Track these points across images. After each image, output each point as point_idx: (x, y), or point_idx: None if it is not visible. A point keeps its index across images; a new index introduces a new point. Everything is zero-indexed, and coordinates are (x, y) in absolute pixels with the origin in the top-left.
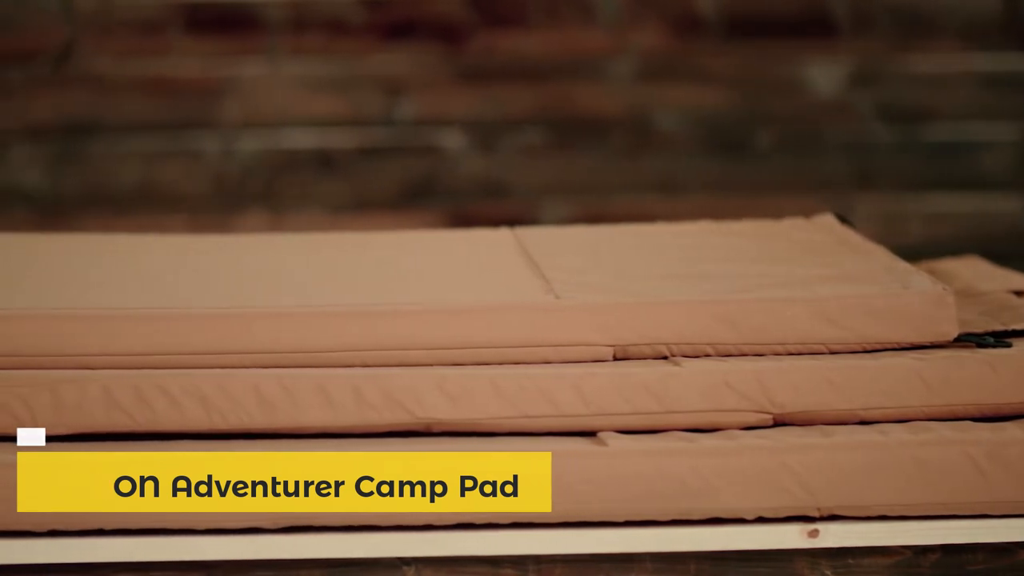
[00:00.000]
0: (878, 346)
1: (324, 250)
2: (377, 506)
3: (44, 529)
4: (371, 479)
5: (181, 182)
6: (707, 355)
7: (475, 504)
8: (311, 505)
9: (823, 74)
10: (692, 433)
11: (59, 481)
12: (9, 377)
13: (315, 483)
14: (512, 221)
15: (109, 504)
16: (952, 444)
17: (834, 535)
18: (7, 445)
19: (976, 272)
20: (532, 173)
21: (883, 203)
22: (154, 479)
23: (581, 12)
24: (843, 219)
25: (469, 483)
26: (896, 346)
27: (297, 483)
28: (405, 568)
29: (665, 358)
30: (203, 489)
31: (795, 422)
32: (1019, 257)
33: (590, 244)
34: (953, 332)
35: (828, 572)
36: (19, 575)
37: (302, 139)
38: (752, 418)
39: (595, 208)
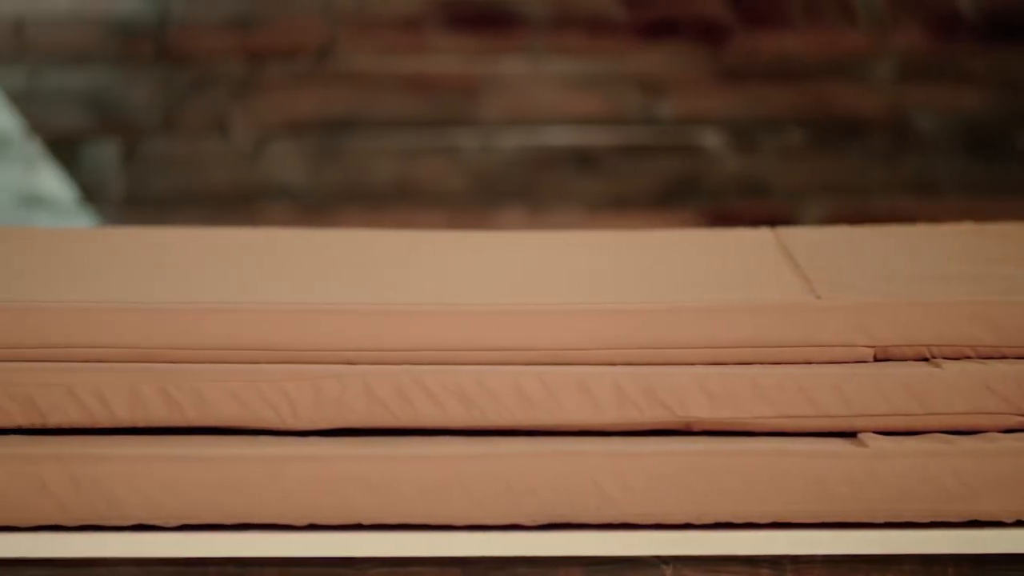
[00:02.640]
0: None
1: (582, 248)
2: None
3: (303, 523)
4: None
5: (440, 179)
6: (967, 357)
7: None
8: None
9: None
10: (952, 435)
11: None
12: (272, 372)
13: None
14: (770, 221)
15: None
16: None
17: None
18: (271, 439)
19: None
20: (791, 173)
21: None
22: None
23: (842, 13)
24: None
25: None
26: None
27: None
28: (663, 567)
29: (926, 359)
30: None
31: None
32: None
33: (851, 245)
34: None
35: None
36: (278, 567)
37: (562, 137)
38: (1012, 421)
39: (853, 208)
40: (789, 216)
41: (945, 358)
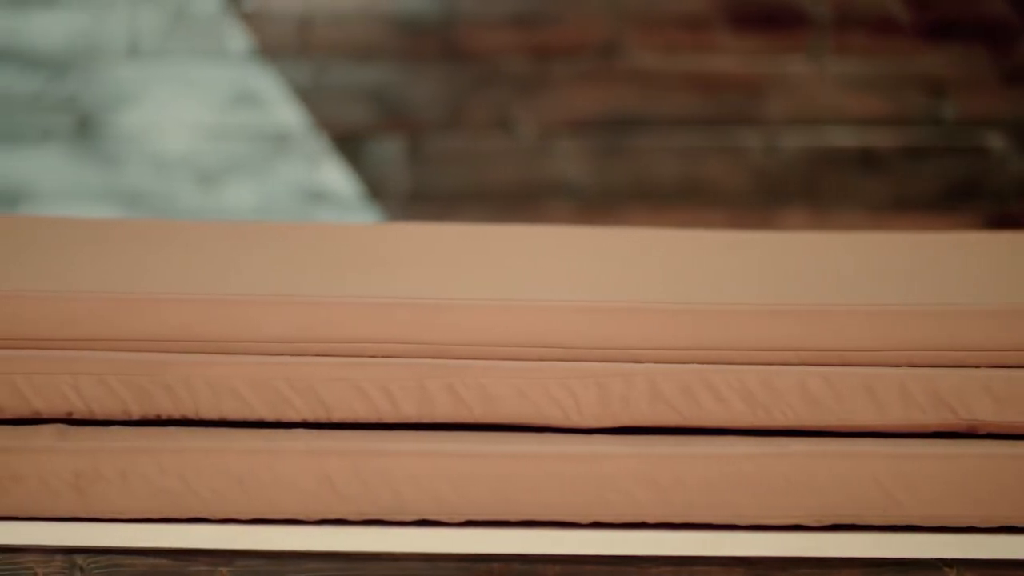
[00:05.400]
0: None
1: (866, 249)
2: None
3: (587, 521)
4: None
5: (723, 178)
6: None
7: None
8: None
9: None
10: None
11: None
12: (557, 369)
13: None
14: None
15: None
16: None
17: None
18: (555, 436)
19: None
20: None
21: None
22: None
23: None
24: None
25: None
26: None
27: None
28: (947, 570)
29: None
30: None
31: None
32: None
33: None
34: None
35: None
36: (562, 564)
37: (844, 137)
38: None
39: None
40: None
41: None
